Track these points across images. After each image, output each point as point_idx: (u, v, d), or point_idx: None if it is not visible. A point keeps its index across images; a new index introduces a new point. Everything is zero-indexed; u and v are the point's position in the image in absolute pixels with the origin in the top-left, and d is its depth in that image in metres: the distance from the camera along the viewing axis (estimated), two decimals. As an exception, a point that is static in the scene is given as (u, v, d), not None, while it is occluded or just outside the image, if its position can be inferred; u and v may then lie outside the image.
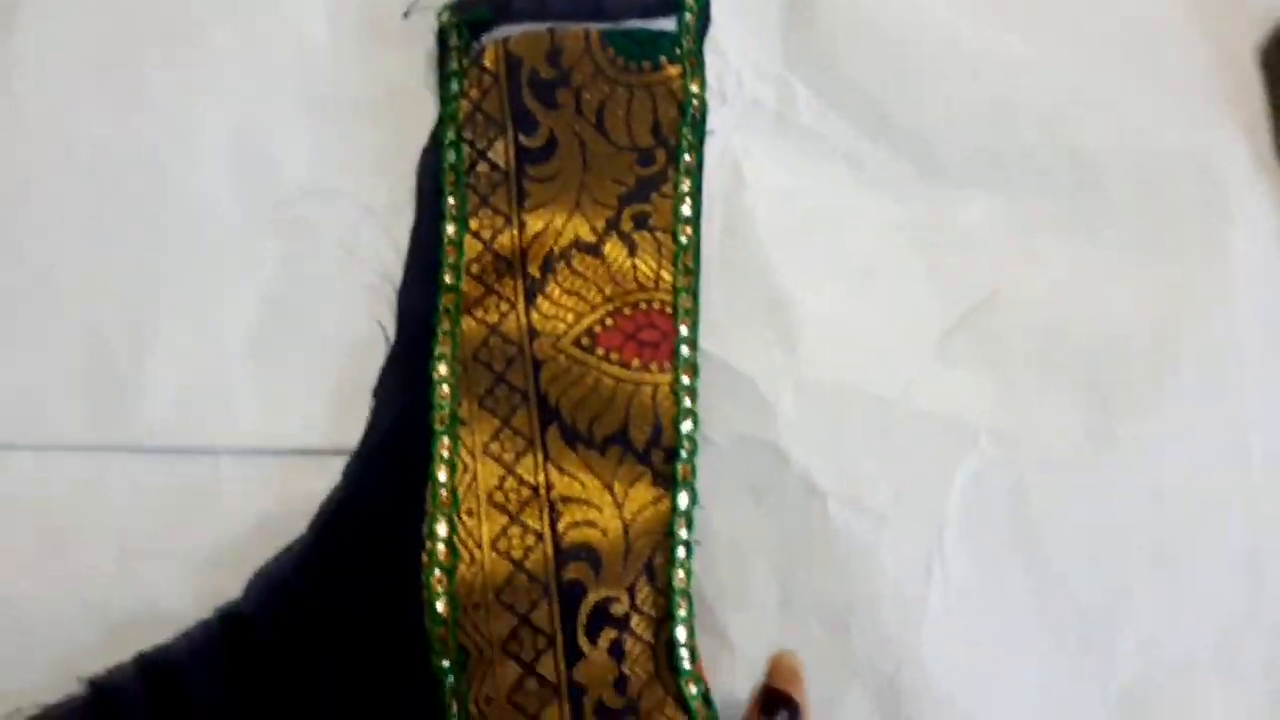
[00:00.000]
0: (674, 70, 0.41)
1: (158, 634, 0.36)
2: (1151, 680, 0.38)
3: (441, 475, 0.37)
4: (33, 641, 0.37)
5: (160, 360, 0.39)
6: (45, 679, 0.35)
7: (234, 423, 0.39)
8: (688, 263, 0.40)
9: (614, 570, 0.37)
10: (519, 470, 0.37)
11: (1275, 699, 0.38)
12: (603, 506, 0.37)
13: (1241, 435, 0.40)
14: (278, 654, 0.36)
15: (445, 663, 0.35)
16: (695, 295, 0.40)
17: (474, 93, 0.40)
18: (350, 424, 0.38)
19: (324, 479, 0.38)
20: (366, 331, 0.39)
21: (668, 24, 0.41)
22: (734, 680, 0.37)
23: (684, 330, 0.39)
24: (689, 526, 0.38)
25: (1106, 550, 0.39)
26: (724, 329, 0.40)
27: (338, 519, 0.37)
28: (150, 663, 0.36)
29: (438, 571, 0.36)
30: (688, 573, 0.37)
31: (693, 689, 0.36)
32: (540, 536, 0.37)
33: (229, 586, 0.37)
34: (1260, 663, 0.39)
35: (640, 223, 0.39)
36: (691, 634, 0.37)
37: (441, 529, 0.36)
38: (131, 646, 0.36)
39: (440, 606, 0.36)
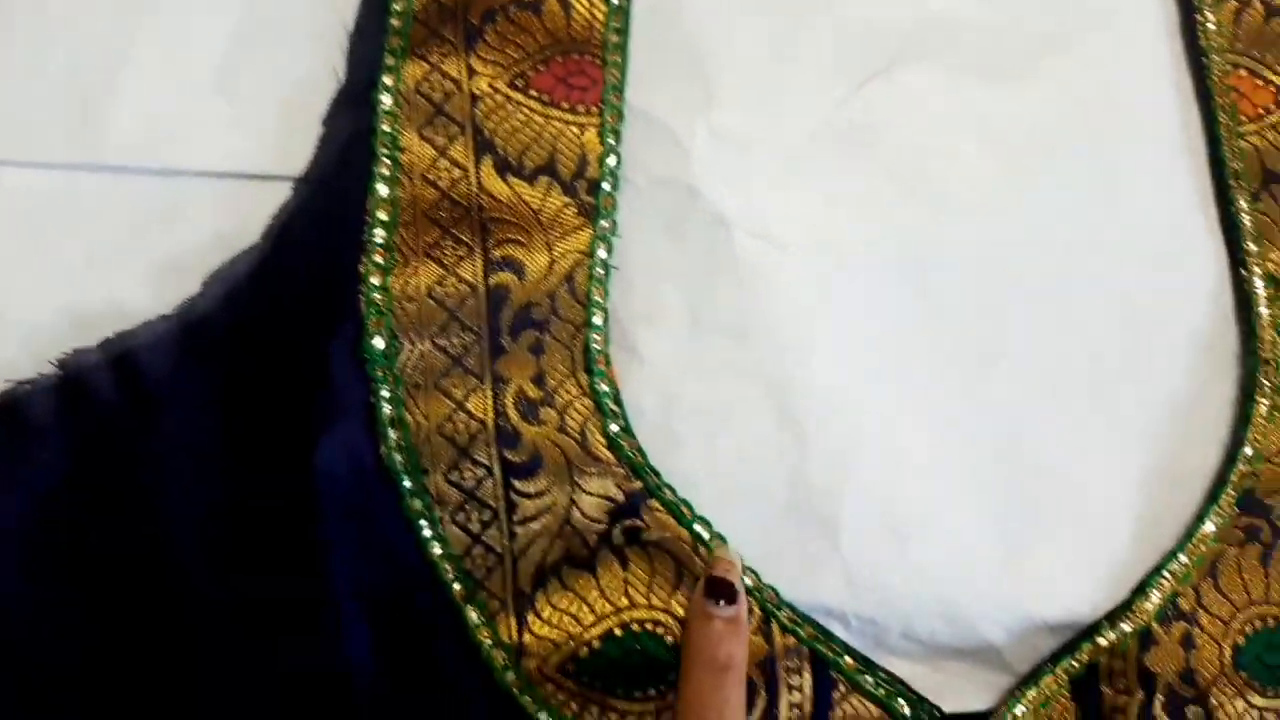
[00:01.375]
0: None
1: (121, 328, 0.40)
2: (1026, 403, 0.42)
3: (382, 190, 0.41)
4: (6, 332, 0.41)
5: (133, 90, 0.43)
6: (14, 361, 0.39)
7: (197, 148, 0.42)
8: (618, 22, 0.43)
9: (537, 279, 0.41)
10: (454, 194, 0.41)
11: (1146, 430, 0.42)
12: (530, 228, 0.41)
13: (1117, 191, 0.44)
14: (230, 349, 0.40)
15: (378, 342, 0.39)
16: (624, 50, 0.43)
17: None
18: (304, 152, 0.42)
19: (278, 201, 0.42)
20: (324, 71, 0.43)
21: None
22: (642, 390, 0.41)
23: (612, 79, 0.43)
24: (609, 250, 0.42)
25: (990, 285, 0.43)
26: (646, 80, 0.43)
27: (288, 228, 0.41)
28: (114, 347, 0.40)
29: (375, 275, 0.40)
30: (605, 291, 0.41)
31: (604, 387, 0.40)
32: (471, 249, 0.41)
33: (189, 290, 0.41)
34: (1135, 401, 0.43)
35: None
36: (605, 343, 0.41)
37: (379, 235, 0.40)
38: (97, 339, 0.40)
39: (376, 297, 0.40)
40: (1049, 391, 0.42)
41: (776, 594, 0.40)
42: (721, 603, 0.38)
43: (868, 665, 0.39)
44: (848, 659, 0.39)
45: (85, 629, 0.38)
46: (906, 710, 0.39)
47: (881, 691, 0.39)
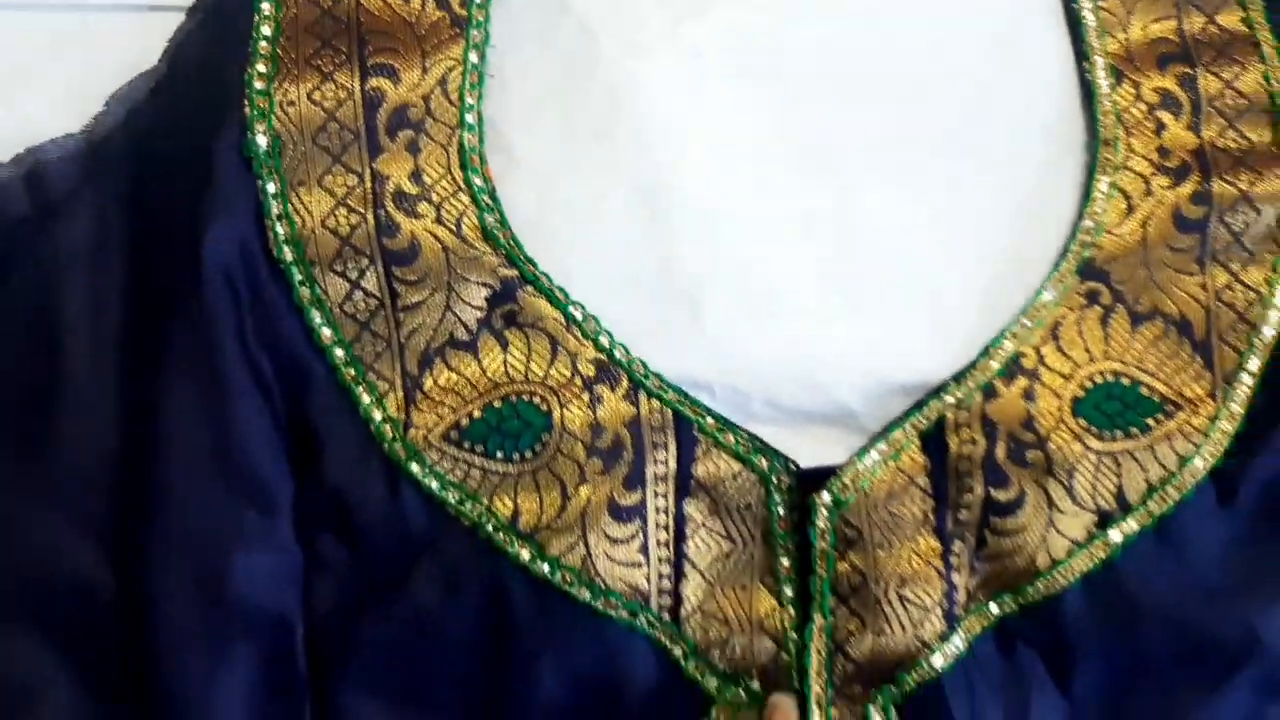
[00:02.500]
0: None
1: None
2: (880, 188, 0.45)
3: (265, 7, 0.44)
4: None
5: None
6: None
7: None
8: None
9: (412, 85, 0.44)
10: (335, 12, 0.44)
11: (995, 208, 0.45)
12: (405, 39, 0.44)
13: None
14: (130, 160, 0.43)
15: (261, 140, 0.43)
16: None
17: None
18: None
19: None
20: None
21: None
22: (518, 190, 0.44)
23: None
24: (481, 57, 0.45)
25: (843, 80, 0.46)
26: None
27: (182, 48, 0.45)
28: (25, 161, 0.43)
29: (258, 80, 0.43)
30: (478, 94, 0.44)
31: (479, 183, 0.43)
32: (349, 58, 0.44)
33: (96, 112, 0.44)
34: (984, 184, 0.45)
35: None
36: (480, 143, 0.44)
37: (263, 46, 0.44)
38: (10, 156, 0.44)
39: (259, 100, 0.43)
40: (901, 175, 0.45)
41: (644, 365, 0.42)
42: None
43: (728, 425, 0.42)
44: (710, 420, 0.42)
45: None
46: (764, 465, 0.42)
47: (741, 448, 0.42)
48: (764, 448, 0.42)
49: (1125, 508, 0.40)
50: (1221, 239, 0.43)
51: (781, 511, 0.41)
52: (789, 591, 0.41)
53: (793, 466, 0.42)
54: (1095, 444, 0.41)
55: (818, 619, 0.40)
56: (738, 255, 0.44)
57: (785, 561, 0.41)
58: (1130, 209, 0.44)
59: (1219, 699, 0.39)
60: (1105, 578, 0.40)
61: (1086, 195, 0.45)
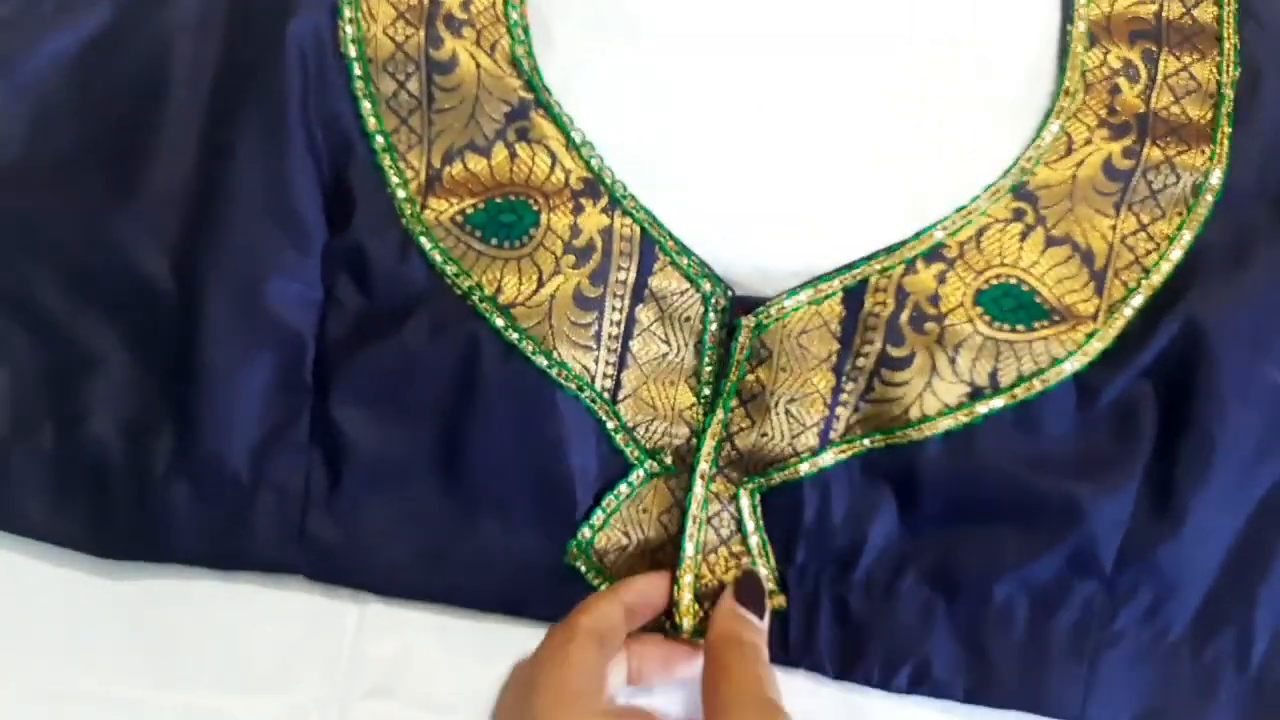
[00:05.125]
0: None
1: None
2: (863, 95, 0.53)
3: None
4: None
5: None
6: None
7: None
8: None
9: None
10: None
11: (956, 123, 0.53)
12: None
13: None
14: None
15: None
16: None
17: None
18: None
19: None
20: None
21: None
22: (548, 69, 0.53)
23: None
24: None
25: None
26: None
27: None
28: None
29: None
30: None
31: (516, 18, 0.53)
32: None
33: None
34: (953, 98, 0.53)
35: None
36: (523, -2, 0.54)
37: None
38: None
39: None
40: (885, 69, 0.54)
41: (625, 188, 0.51)
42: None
43: (685, 250, 0.51)
44: (671, 242, 0.51)
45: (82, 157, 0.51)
46: (707, 288, 0.50)
47: (691, 270, 0.51)
48: (710, 274, 0.50)
49: (995, 387, 0.48)
50: (1140, 192, 0.50)
51: (714, 328, 0.50)
52: (706, 392, 0.50)
53: (730, 293, 0.50)
54: (984, 329, 0.48)
55: (719, 412, 0.49)
56: (725, 141, 0.53)
57: (709, 368, 0.50)
58: (1070, 150, 0.51)
59: (1035, 559, 0.47)
60: (963, 437, 0.47)
61: (1037, 132, 0.52)
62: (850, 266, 0.50)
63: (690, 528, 0.48)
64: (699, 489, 0.48)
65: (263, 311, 0.49)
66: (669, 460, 0.49)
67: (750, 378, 0.49)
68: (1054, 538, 0.47)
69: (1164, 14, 0.54)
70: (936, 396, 0.48)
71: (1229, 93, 0.52)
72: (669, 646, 0.48)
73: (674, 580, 0.48)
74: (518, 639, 0.47)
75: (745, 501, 0.48)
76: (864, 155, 0.53)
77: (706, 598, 0.48)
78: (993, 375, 0.48)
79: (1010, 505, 0.47)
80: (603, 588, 0.49)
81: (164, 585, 0.49)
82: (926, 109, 0.53)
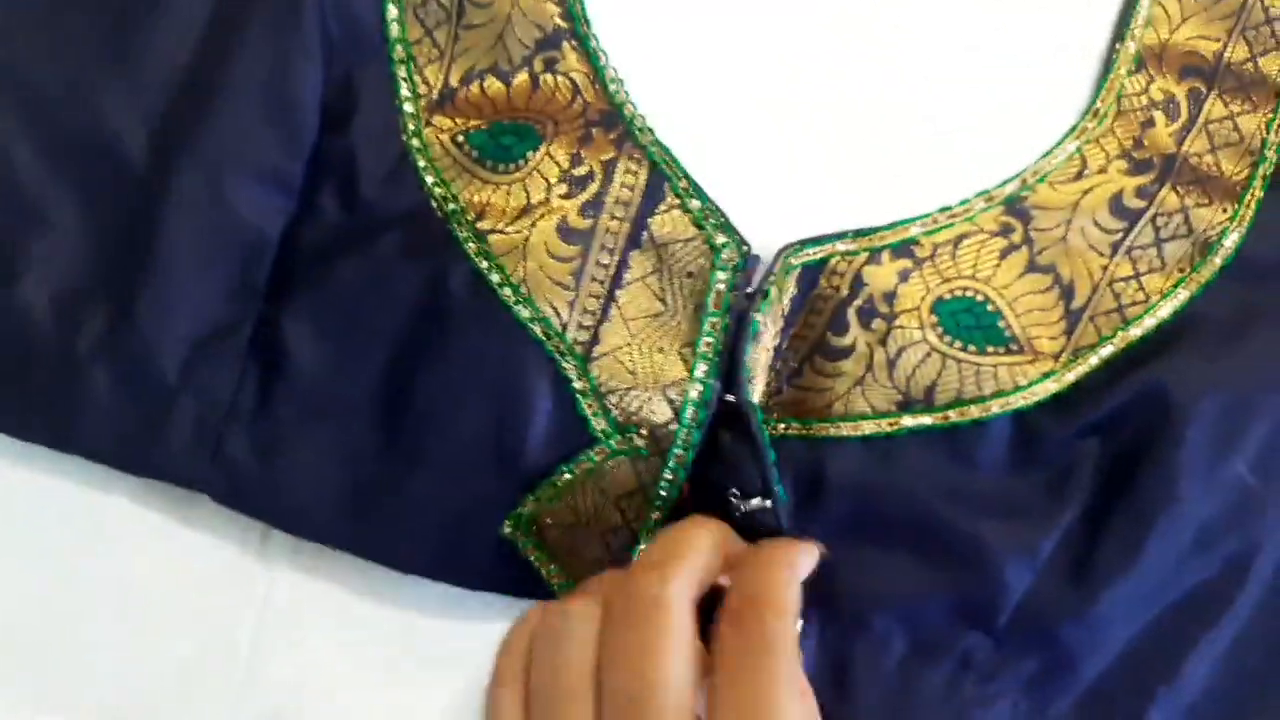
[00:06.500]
0: None
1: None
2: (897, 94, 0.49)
3: None
4: None
5: None
6: None
7: None
8: None
9: None
10: None
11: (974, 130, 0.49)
12: None
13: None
14: None
15: None
16: None
17: None
18: None
19: None
20: None
21: None
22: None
23: None
24: None
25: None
26: None
27: None
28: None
29: None
30: None
31: None
32: None
33: None
34: (977, 104, 0.49)
35: None
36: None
37: None
38: None
39: None
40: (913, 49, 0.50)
41: (644, 121, 0.47)
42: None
43: (699, 193, 0.46)
44: (684, 182, 0.46)
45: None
46: (719, 239, 0.45)
47: (702, 216, 0.46)
48: (725, 224, 0.46)
49: (929, 403, 0.44)
50: (1145, 237, 0.46)
51: (721, 288, 0.45)
52: (700, 370, 0.44)
53: (746, 247, 0.45)
54: (934, 340, 0.45)
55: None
56: (755, 102, 0.49)
57: (708, 338, 0.44)
58: (1080, 175, 0.47)
59: (926, 596, 0.43)
60: (883, 447, 0.44)
61: (1049, 150, 0.47)
62: (816, 241, 0.46)
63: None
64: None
65: (230, 206, 0.46)
66: (639, 441, 0.44)
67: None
68: (950, 578, 0.43)
69: (1226, 55, 0.49)
70: (865, 398, 0.44)
71: (1272, 155, 0.47)
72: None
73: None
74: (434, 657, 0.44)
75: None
76: (871, 135, 0.49)
77: None
78: (929, 390, 0.44)
79: (912, 532, 0.43)
80: (551, 569, 0.45)
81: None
82: (945, 100, 0.49)
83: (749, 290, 0.45)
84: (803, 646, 0.42)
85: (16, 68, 0.47)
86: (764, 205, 0.47)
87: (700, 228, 0.45)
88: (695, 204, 0.46)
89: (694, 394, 0.44)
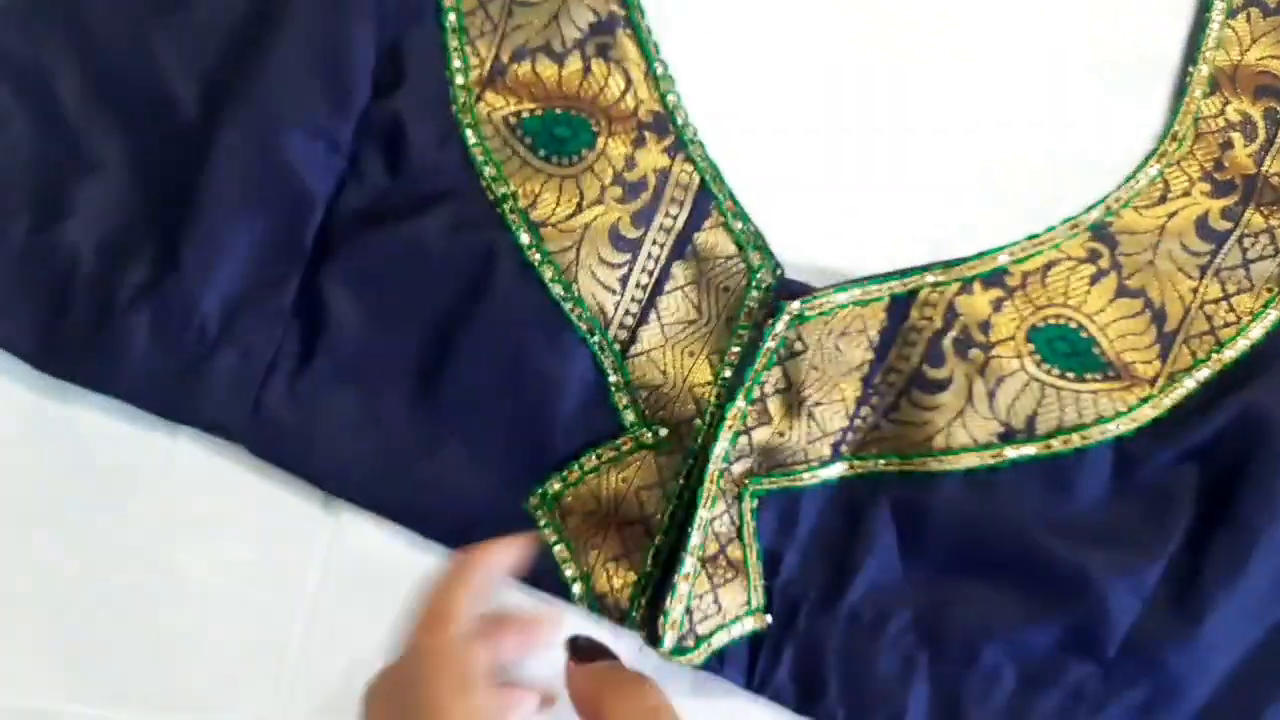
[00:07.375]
0: None
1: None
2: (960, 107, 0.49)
3: None
4: None
5: None
6: None
7: None
8: None
9: None
10: None
11: (1044, 169, 0.49)
12: None
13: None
14: None
15: None
16: None
17: None
18: None
19: None
20: None
21: None
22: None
23: None
24: None
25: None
26: None
27: None
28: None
29: None
30: None
31: None
32: None
33: None
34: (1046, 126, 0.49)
35: None
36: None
37: None
38: None
39: None
40: (988, 79, 0.50)
41: (696, 132, 0.48)
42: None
43: (743, 214, 0.47)
44: (729, 201, 0.47)
45: None
46: (755, 259, 0.46)
47: (743, 237, 0.47)
48: (763, 246, 0.46)
49: (1031, 433, 0.44)
50: (1233, 259, 0.46)
51: (753, 305, 0.46)
52: (727, 373, 0.46)
53: (779, 271, 0.46)
54: (1032, 369, 0.44)
55: (740, 401, 0.45)
56: (811, 115, 0.49)
57: (736, 348, 0.46)
58: (1164, 199, 0.47)
59: (1033, 627, 0.43)
60: (985, 480, 0.44)
61: (1129, 178, 0.48)
62: (904, 273, 0.46)
63: (694, 538, 0.43)
64: (710, 487, 0.44)
65: (280, 162, 0.46)
66: (665, 434, 0.45)
67: (777, 370, 0.45)
68: (1057, 608, 0.43)
69: None
70: (966, 429, 0.44)
71: None
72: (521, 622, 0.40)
73: (660, 588, 0.44)
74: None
75: (747, 504, 0.44)
76: (946, 161, 0.49)
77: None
78: (1030, 419, 0.44)
79: (1018, 564, 0.43)
80: (557, 547, 0.45)
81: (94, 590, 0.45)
82: (1021, 126, 0.49)
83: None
84: (913, 692, 0.43)
85: (79, 7, 0.47)
86: (806, 225, 0.48)
87: (741, 248, 0.46)
88: (738, 225, 0.47)
89: (717, 396, 0.45)
